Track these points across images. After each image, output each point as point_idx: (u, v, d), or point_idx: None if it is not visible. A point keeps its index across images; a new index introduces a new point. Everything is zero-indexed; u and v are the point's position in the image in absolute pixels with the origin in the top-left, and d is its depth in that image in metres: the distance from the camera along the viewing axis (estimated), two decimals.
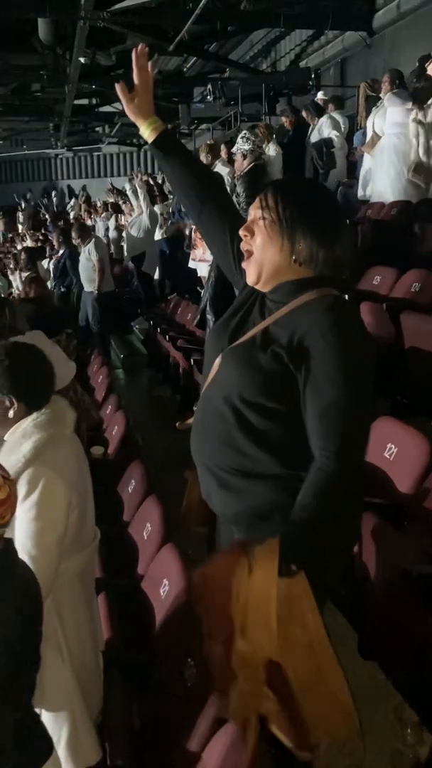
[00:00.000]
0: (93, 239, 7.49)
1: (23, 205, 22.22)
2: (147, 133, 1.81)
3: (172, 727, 1.73)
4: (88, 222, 13.80)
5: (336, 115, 7.65)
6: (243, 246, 1.58)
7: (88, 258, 7.28)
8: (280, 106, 12.43)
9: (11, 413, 1.84)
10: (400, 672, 2.10)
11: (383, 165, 6.00)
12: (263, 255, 1.53)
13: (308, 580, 1.47)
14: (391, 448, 2.52)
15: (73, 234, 7.72)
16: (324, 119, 7.36)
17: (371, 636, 2.25)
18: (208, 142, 7.40)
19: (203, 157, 6.69)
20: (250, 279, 1.58)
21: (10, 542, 1.37)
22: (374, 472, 2.55)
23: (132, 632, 2.22)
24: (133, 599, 2.33)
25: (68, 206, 20.59)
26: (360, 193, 6.75)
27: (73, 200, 21.54)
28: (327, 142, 7.16)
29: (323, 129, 7.30)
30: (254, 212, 1.55)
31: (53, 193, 23.56)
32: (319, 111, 7.60)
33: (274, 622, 1.35)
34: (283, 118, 8.48)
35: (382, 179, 6.07)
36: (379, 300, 4.12)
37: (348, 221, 1.61)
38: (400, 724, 2.05)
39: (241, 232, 1.57)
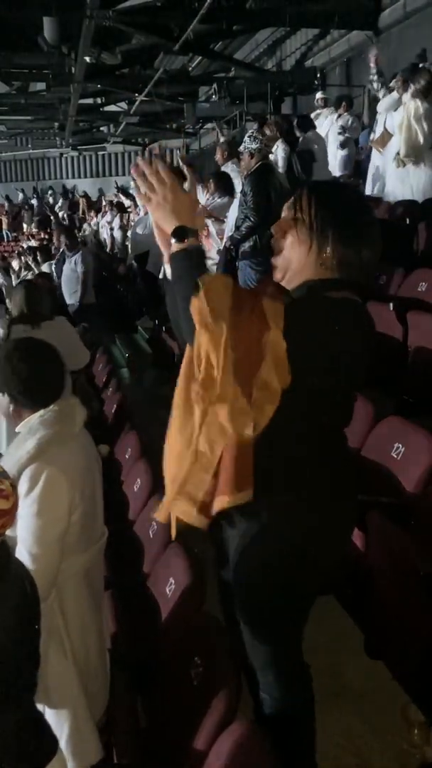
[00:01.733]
0: (80, 250, 7.47)
1: (6, 205, 22.22)
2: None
3: (178, 725, 1.73)
4: (94, 220, 13.83)
5: (348, 116, 7.68)
6: (273, 243, 1.60)
7: (73, 269, 7.24)
8: (285, 105, 12.44)
9: (17, 410, 1.85)
10: (407, 671, 2.09)
11: (391, 164, 6.01)
12: (291, 254, 1.55)
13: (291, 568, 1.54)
14: (398, 447, 2.51)
15: (62, 239, 7.70)
16: (309, 134, 7.40)
17: (378, 635, 2.24)
18: (227, 139, 7.44)
19: (219, 155, 6.71)
20: (277, 276, 1.60)
21: (3, 543, 1.37)
22: (381, 472, 2.54)
23: (138, 631, 2.21)
24: (139, 598, 2.32)
25: (56, 206, 20.62)
26: (368, 191, 6.74)
27: (60, 200, 21.57)
28: (310, 153, 7.20)
29: (307, 143, 7.35)
30: (287, 212, 1.57)
31: (49, 193, 23.54)
32: (307, 126, 7.60)
33: None
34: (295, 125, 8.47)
35: (391, 178, 6.07)
36: (386, 299, 4.11)
37: (376, 227, 1.60)
38: (407, 724, 2.04)
39: (273, 230, 1.59)
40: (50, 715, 1.79)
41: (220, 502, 1.47)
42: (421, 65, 6.66)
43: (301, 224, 1.52)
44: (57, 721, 1.79)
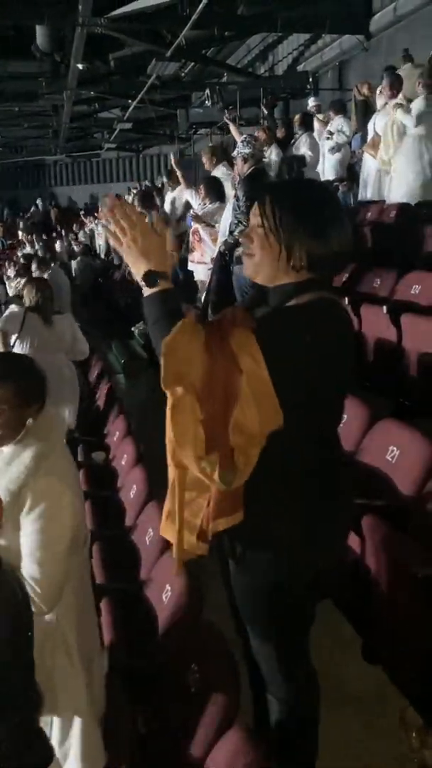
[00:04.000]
0: (51, 269, 7.50)
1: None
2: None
3: (176, 732, 1.72)
4: (89, 226, 13.83)
5: (339, 120, 7.71)
6: (243, 251, 1.60)
7: None
8: (278, 110, 12.47)
9: (31, 420, 1.83)
10: (405, 675, 2.09)
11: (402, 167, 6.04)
12: (261, 260, 1.55)
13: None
14: (393, 450, 2.51)
15: (33, 265, 7.78)
16: (304, 136, 7.42)
17: (376, 639, 2.24)
18: (210, 144, 7.52)
19: (206, 161, 6.74)
20: (247, 273, 1.61)
21: None
22: (376, 475, 2.54)
23: (135, 637, 2.21)
24: (136, 604, 2.32)
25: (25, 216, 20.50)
26: (361, 194, 6.77)
27: (33, 208, 21.46)
28: (299, 160, 7.21)
29: (300, 146, 7.37)
30: (253, 219, 1.57)
31: (38, 201, 23.48)
32: (306, 125, 7.63)
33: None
34: (296, 121, 8.51)
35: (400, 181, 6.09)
36: (380, 302, 4.12)
37: (342, 213, 1.61)
38: (406, 727, 2.04)
39: (242, 240, 1.60)
40: (58, 722, 1.80)
41: (215, 526, 1.50)
42: (405, 66, 6.71)
43: (268, 231, 1.52)
44: (65, 727, 1.81)
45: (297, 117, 7.86)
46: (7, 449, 1.81)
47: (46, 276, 7.30)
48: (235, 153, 5.20)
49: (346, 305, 3.95)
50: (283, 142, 7.69)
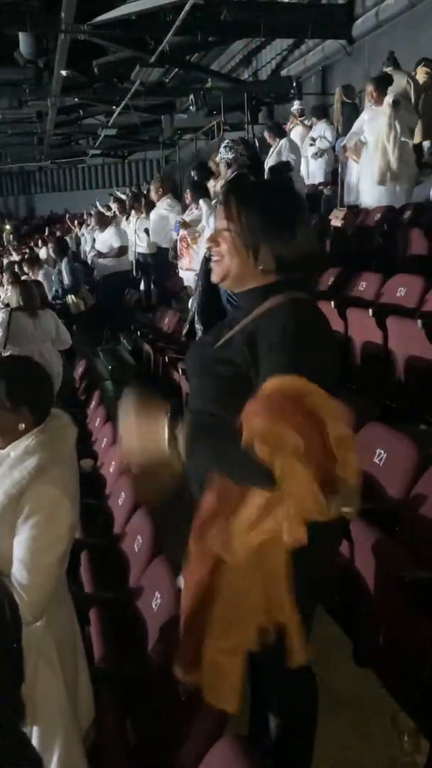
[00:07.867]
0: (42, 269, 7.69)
1: None
2: None
3: (167, 742, 1.71)
4: (76, 230, 13.79)
5: (321, 125, 7.74)
6: (212, 252, 1.61)
7: None
8: (263, 114, 12.52)
9: (23, 426, 1.82)
10: (396, 679, 2.09)
11: (365, 171, 6.08)
12: (230, 263, 1.55)
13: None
14: (380, 453, 2.52)
15: (25, 267, 7.87)
16: (284, 142, 7.45)
17: (366, 643, 2.24)
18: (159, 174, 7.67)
19: (153, 193, 6.84)
20: (215, 279, 1.61)
21: None
22: (364, 478, 2.54)
23: (125, 646, 2.20)
24: (125, 613, 2.31)
25: None
26: (346, 199, 6.79)
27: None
28: (285, 165, 7.24)
29: (282, 152, 7.39)
30: (219, 222, 1.57)
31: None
32: (280, 133, 7.66)
33: None
34: (266, 134, 8.55)
35: (366, 185, 6.14)
36: (366, 305, 4.14)
37: (307, 214, 1.62)
38: (397, 731, 2.04)
39: (207, 243, 1.60)
40: (40, 735, 1.78)
41: None
42: (390, 69, 6.73)
43: (234, 234, 1.52)
44: (46, 738, 1.78)
45: (265, 132, 7.84)
46: (13, 453, 1.80)
47: (39, 276, 7.47)
48: (218, 159, 5.21)
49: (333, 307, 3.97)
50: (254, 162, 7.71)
